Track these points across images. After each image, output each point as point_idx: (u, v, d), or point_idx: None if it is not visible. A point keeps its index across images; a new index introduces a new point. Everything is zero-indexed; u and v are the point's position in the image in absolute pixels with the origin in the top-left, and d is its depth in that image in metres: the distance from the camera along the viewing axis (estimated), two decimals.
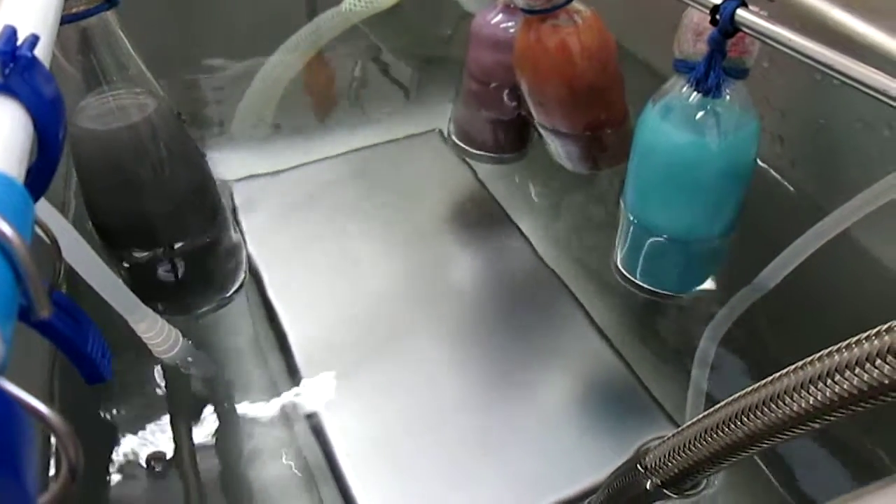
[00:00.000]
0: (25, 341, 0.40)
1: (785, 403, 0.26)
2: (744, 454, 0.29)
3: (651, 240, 0.49)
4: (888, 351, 0.22)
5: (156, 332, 0.44)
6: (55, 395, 0.45)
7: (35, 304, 0.15)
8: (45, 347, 0.44)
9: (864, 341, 0.23)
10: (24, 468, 0.13)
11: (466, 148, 0.67)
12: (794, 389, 0.25)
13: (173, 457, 0.46)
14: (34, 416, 0.17)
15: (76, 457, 0.18)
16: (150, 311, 0.43)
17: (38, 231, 0.29)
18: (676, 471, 0.32)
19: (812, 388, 0.25)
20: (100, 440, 0.47)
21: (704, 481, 0.42)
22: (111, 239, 0.46)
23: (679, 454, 0.32)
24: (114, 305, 0.41)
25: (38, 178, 0.21)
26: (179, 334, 0.46)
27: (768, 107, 0.55)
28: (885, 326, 0.23)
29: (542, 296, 0.55)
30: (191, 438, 0.47)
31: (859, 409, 0.24)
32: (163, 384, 0.50)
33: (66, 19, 0.38)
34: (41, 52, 0.20)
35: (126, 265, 0.46)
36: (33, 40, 0.19)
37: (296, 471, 0.46)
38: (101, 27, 0.41)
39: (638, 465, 0.34)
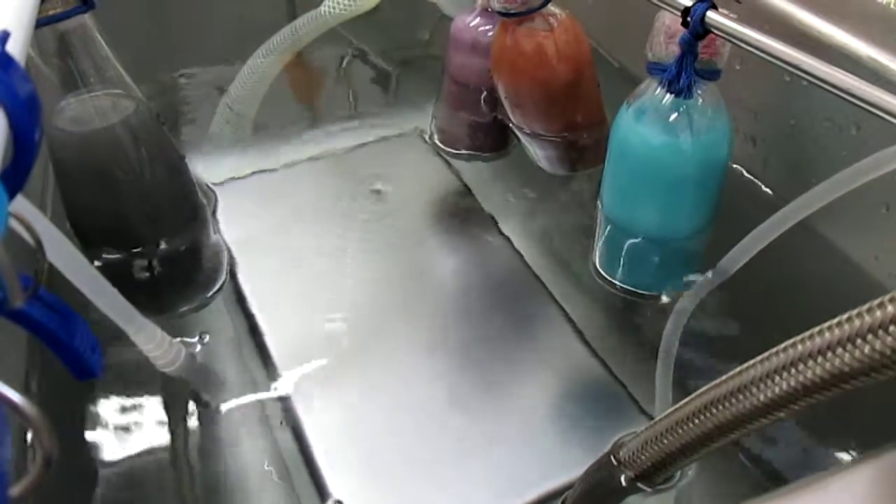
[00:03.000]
0: (3, 343, 0.40)
1: (752, 394, 0.27)
2: (714, 445, 0.29)
3: (627, 239, 0.50)
4: (847, 340, 0.23)
5: (155, 343, 0.43)
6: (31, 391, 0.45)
7: (9, 292, 0.16)
8: (23, 345, 0.44)
9: (825, 331, 0.24)
10: None
11: (447, 149, 0.67)
12: (759, 380, 0.26)
13: (151, 454, 0.46)
14: (6, 404, 0.17)
15: (51, 446, 0.18)
16: (148, 321, 0.42)
17: (23, 232, 0.29)
18: (649, 464, 0.33)
19: (777, 377, 0.25)
20: (79, 437, 0.47)
21: (677, 474, 0.42)
22: (90, 240, 0.46)
23: (651, 447, 0.32)
24: (110, 316, 0.40)
25: (14, 175, 0.22)
26: (182, 348, 0.45)
27: (741, 108, 0.56)
28: (845, 316, 0.23)
29: (521, 295, 0.56)
30: (171, 435, 0.47)
31: (822, 397, 0.25)
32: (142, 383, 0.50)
33: (43, 21, 0.38)
34: (14, 48, 0.21)
35: (105, 266, 0.46)
36: (4, 36, 0.20)
37: (273, 469, 0.46)
38: (78, 30, 0.41)
39: (612, 460, 0.35)
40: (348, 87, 0.82)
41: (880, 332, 0.22)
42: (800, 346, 0.25)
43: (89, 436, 0.47)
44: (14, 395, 0.17)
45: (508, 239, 0.60)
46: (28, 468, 0.18)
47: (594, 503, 0.38)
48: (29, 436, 0.36)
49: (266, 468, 0.46)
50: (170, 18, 0.79)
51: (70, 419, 0.47)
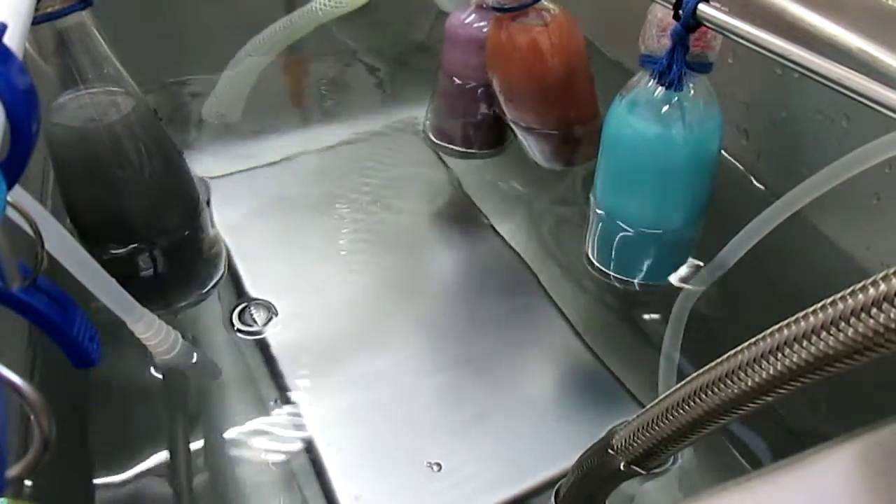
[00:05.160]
0: (5, 331, 0.40)
1: (740, 378, 0.27)
2: (705, 430, 0.30)
3: (619, 231, 0.50)
4: (831, 323, 0.23)
5: (153, 332, 0.44)
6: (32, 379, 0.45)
7: (6, 276, 0.16)
8: (24, 334, 0.44)
9: (809, 315, 0.24)
10: None
11: (442, 144, 0.68)
12: (746, 365, 0.26)
13: (152, 451, 0.46)
14: (9, 387, 0.18)
15: (49, 427, 0.18)
16: (146, 311, 0.43)
17: (23, 223, 0.30)
18: (642, 449, 0.33)
19: (763, 362, 0.26)
20: (77, 426, 0.47)
21: (671, 458, 0.43)
22: (89, 235, 0.46)
23: (644, 433, 0.32)
24: (110, 307, 0.41)
25: (12, 165, 0.22)
26: (179, 336, 0.46)
27: (733, 101, 0.57)
28: (829, 300, 0.24)
29: (515, 288, 0.56)
30: (170, 433, 0.48)
31: (808, 380, 0.25)
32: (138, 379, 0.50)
33: (41, 18, 0.39)
34: (11, 41, 0.21)
35: (104, 261, 0.47)
36: (1, 28, 0.20)
37: (275, 464, 0.46)
38: (77, 28, 0.41)
39: (606, 446, 0.35)
40: (346, 84, 0.82)
41: (863, 314, 0.23)
42: (785, 331, 0.25)
43: (87, 425, 0.47)
44: (16, 378, 0.18)
45: (502, 234, 0.61)
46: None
47: (588, 489, 0.38)
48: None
49: (264, 455, 0.46)
50: (168, 21, 0.79)
51: (69, 408, 0.47)
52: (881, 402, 0.37)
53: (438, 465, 0.45)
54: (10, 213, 0.26)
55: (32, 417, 0.18)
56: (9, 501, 0.15)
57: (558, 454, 0.45)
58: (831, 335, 0.24)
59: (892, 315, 0.22)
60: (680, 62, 0.42)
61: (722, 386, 0.28)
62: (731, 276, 0.49)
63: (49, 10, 0.39)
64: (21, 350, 0.42)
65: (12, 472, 0.18)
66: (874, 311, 0.22)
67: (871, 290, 0.22)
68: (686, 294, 0.50)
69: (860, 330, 0.23)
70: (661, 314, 0.52)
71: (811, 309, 0.24)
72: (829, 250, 0.51)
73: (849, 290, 0.23)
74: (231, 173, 0.66)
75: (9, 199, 0.21)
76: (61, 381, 0.45)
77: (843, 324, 0.23)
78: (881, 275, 0.22)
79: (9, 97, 0.20)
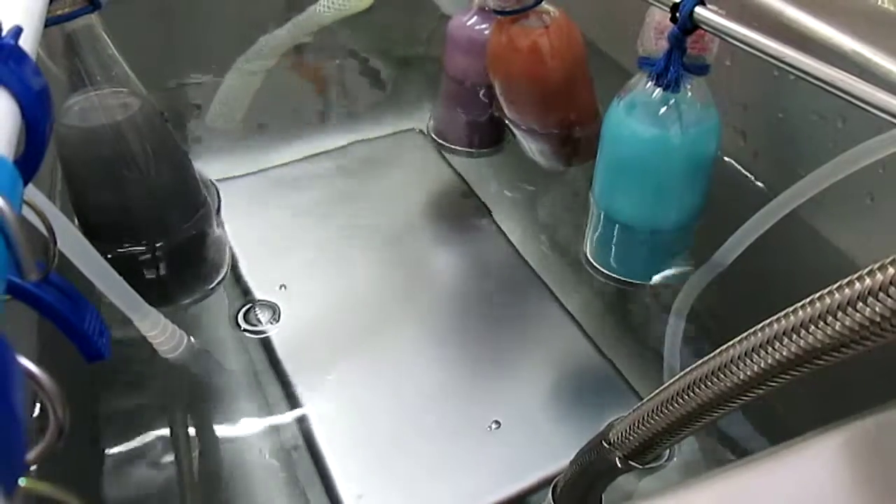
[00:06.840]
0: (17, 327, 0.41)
1: (732, 372, 0.28)
2: (699, 423, 0.30)
3: (618, 230, 0.51)
4: (819, 317, 0.24)
5: (159, 330, 0.44)
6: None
7: (24, 268, 0.17)
8: (34, 329, 0.45)
9: (798, 310, 0.25)
10: (13, 398, 0.14)
11: (445, 144, 0.68)
12: (739, 358, 0.27)
13: (155, 447, 0.47)
14: (25, 375, 0.18)
15: (63, 414, 0.19)
16: (152, 309, 0.44)
17: (35, 220, 0.31)
18: (638, 443, 0.34)
19: (755, 356, 0.27)
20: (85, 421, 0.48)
21: (667, 453, 0.43)
22: (96, 233, 0.47)
23: (639, 427, 0.33)
24: (117, 304, 0.41)
25: (27, 163, 0.23)
26: (184, 334, 0.47)
27: (731, 103, 0.57)
28: (817, 295, 0.25)
29: (516, 286, 0.57)
30: (172, 429, 0.48)
31: (798, 373, 0.26)
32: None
33: (51, 21, 0.39)
34: (26, 43, 0.22)
35: (110, 259, 0.47)
36: (17, 31, 0.21)
37: (276, 459, 0.47)
38: (85, 30, 0.42)
39: (602, 441, 0.36)
40: (350, 87, 0.83)
41: (849, 308, 0.23)
42: (776, 325, 0.26)
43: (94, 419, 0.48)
44: (32, 367, 0.18)
45: (504, 233, 0.62)
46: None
47: (585, 484, 0.39)
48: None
49: (268, 459, 0.47)
50: (174, 22, 0.80)
51: (77, 404, 0.48)
52: (867, 391, 0.38)
53: (440, 461, 0.46)
54: (24, 209, 0.26)
55: (46, 405, 0.19)
56: (28, 481, 0.16)
57: (559, 450, 0.46)
58: (819, 329, 0.24)
59: (877, 309, 0.22)
60: (677, 64, 0.43)
61: (715, 379, 0.28)
62: (729, 274, 0.50)
63: (59, 13, 0.40)
64: (32, 346, 0.43)
65: (29, 456, 0.19)
66: (860, 304, 0.23)
67: (858, 285, 0.23)
68: (685, 292, 0.51)
69: (847, 323, 0.23)
70: (661, 312, 0.53)
71: (800, 303, 0.25)
72: (824, 249, 0.52)
73: (836, 285, 0.24)
74: (237, 175, 0.67)
75: (23, 196, 0.22)
76: (70, 370, 0.46)
77: (830, 318, 0.24)
78: (867, 270, 0.23)
79: (24, 97, 0.21)
